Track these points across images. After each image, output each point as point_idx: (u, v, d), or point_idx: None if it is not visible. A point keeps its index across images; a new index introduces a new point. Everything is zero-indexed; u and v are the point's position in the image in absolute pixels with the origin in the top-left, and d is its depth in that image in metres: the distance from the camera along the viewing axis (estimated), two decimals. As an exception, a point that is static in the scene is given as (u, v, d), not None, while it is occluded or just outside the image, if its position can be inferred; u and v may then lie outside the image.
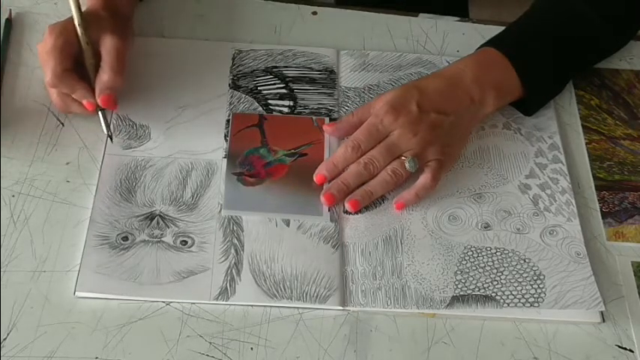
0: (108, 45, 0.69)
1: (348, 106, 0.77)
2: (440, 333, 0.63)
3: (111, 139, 0.71)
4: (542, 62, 0.76)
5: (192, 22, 0.83)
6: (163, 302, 0.62)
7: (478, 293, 0.65)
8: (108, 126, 0.71)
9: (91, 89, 0.69)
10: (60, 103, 0.71)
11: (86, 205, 0.67)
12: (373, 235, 0.68)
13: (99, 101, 0.68)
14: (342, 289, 0.64)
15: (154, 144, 0.72)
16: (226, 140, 0.73)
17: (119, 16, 0.73)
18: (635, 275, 0.68)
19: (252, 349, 0.61)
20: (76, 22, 0.68)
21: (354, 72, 0.80)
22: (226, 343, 0.61)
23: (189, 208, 0.68)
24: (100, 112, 0.70)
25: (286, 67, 0.80)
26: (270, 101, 0.77)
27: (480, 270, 0.66)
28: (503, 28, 0.79)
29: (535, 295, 0.65)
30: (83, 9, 0.70)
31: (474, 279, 0.66)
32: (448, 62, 0.80)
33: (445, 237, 0.68)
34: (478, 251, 0.67)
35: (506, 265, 0.67)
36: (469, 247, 0.68)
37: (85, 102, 0.69)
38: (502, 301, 0.64)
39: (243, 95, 0.77)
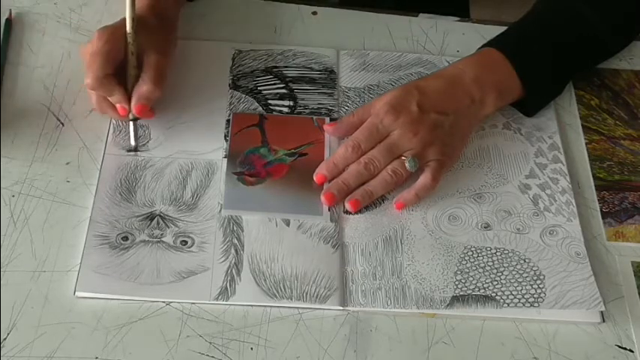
0: (152, 59, 0.69)
1: (348, 106, 0.77)
2: (440, 333, 0.63)
3: (135, 150, 0.71)
4: (542, 63, 0.76)
5: (192, 22, 0.83)
6: (163, 302, 0.62)
7: (478, 293, 0.65)
8: (136, 137, 0.71)
9: (127, 96, 0.69)
10: (97, 104, 0.71)
11: (86, 205, 0.67)
12: (373, 235, 0.68)
13: (134, 109, 0.69)
14: (342, 289, 0.64)
15: (154, 144, 0.72)
16: (226, 140, 0.73)
17: (166, 21, 0.74)
18: (635, 275, 0.68)
19: (252, 349, 0.61)
20: (128, 30, 0.68)
21: (354, 72, 0.80)
22: (226, 343, 0.61)
23: (189, 208, 0.68)
24: (131, 123, 0.71)
25: (286, 67, 0.80)
26: (270, 101, 0.77)
27: (480, 270, 0.66)
28: (503, 28, 0.79)
29: (535, 295, 0.65)
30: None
31: (473, 279, 0.66)
32: (448, 62, 0.80)
33: (445, 237, 0.68)
34: (478, 251, 0.67)
35: (506, 265, 0.67)
36: (469, 247, 0.68)
37: (118, 106, 0.70)
38: (502, 301, 0.64)
39: (243, 95, 0.77)
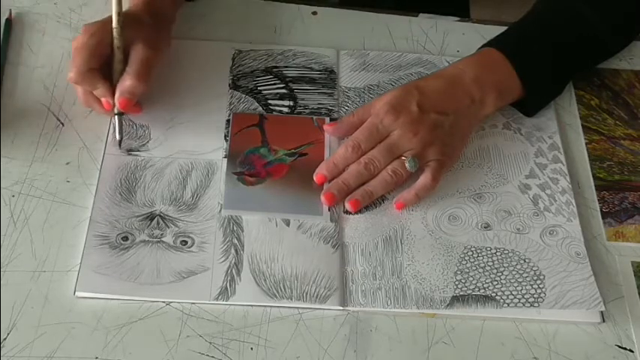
0: (139, 53, 0.69)
1: (348, 106, 0.77)
2: (440, 333, 0.63)
3: (119, 145, 0.71)
4: (542, 63, 0.76)
5: (192, 22, 0.83)
6: (163, 302, 0.62)
7: (478, 293, 0.65)
8: (121, 131, 0.71)
9: (112, 90, 0.69)
10: (83, 99, 0.71)
11: (86, 205, 0.67)
12: (373, 235, 0.68)
13: (117, 103, 0.69)
14: (342, 289, 0.64)
15: (154, 144, 0.72)
16: (226, 140, 0.73)
17: (160, 20, 0.74)
18: (635, 275, 0.68)
19: (252, 349, 0.61)
20: (114, 25, 0.68)
21: (354, 72, 0.80)
22: (226, 343, 0.61)
23: (189, 208, 0.68)
24: (116, 117, 0.71)
25: (286, 67, 0.80)
26: (270, 101, 0.77)
27: (480, 270, 0.66)
28: (503, 28, 0.79)
29: (535, 295, 0.65)
30: (125, 7, 0.70)
31: (473, 279, 0.66)
32: (448, 62, 0.80)
33: (445, 237, 0.68)
34: (478, 251, 0.67)
35: (506, 265, 0.67)
36: (469, 247, 0.68)
37: (103, 100, 0.69)
38: (502, 301, 0.64)
39: (243, 95, 0.77)
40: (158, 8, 0.74)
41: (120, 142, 0.71)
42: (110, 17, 0.69)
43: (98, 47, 0.68)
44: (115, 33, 0.68)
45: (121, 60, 0.69)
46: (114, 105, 0.69)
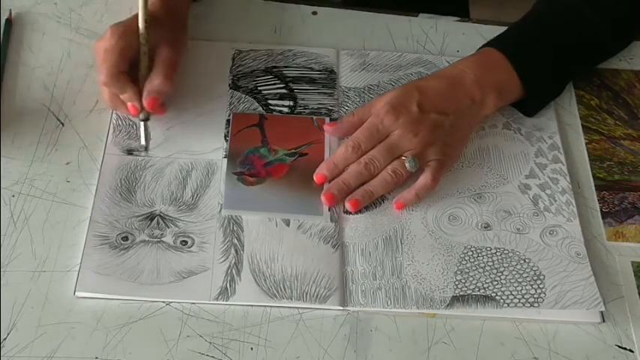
0: (163, 54, 0.69)
1: (348, 106, 0.77)
2: (440, 333, 0.63)
3: (146, 149, 0.71)
4: (542, 63, 0.76)
5: (192, 22, 0.83)
6: (163, 302, 0.62)
7: (478, 293, 0.65)
8: (147, 138, 0.71)
9: (139, 93, 0.69)
10: (109, 100, 0.71)
11: (86, 205, 0.67)
12: (373, 235, 0.68)
13: (146, 104, 0.68)
14: (342, 289, 0.64)
15: (154, 144, 0.72)
16: (226, 140, 0.73)
17: (176, 17, 0.74)
18: (635, 275, 0.68)
19: (252, 349, 0.61)
20: (140, 30, 0.68)
21: (354, 72, 0.80)
22: (226, 343, 0.61)
23: (189, 208, 0.68)
24: (142, 123, 0.70)
25: (286, 67, 0.80)
26: (270, 101, 0.77)
27: (480, 270, 0.66)
28: (503, 28, 0.79)
29: (535, 295, 0.65)
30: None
31: (473, 279, 0.66)
32: (448, 62, 0.80)
33: (445, 237, 0.68)
34: (478, 251, 0.67)
35: (506, 265, 0.67)
36: (469, 247, 0.68)
37: (129, 105, 0.69)
38: (502, 301, 0.64)
39: (243, 95, 0.77)
40: (173, 7, 0.74)
41: (146, 147, 0.71)
42: (132, 18, 0.69)
43: (126, 50, 0.68)
44: (141, 39, 0.68)
45: (147, 66, 0.69)
46: (141, 110, 0.69)
